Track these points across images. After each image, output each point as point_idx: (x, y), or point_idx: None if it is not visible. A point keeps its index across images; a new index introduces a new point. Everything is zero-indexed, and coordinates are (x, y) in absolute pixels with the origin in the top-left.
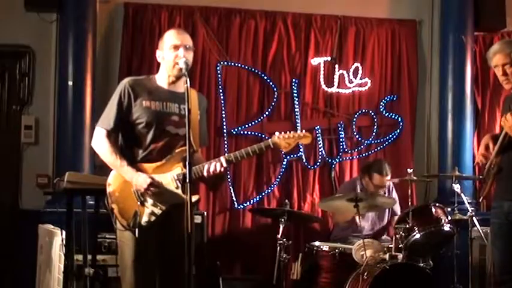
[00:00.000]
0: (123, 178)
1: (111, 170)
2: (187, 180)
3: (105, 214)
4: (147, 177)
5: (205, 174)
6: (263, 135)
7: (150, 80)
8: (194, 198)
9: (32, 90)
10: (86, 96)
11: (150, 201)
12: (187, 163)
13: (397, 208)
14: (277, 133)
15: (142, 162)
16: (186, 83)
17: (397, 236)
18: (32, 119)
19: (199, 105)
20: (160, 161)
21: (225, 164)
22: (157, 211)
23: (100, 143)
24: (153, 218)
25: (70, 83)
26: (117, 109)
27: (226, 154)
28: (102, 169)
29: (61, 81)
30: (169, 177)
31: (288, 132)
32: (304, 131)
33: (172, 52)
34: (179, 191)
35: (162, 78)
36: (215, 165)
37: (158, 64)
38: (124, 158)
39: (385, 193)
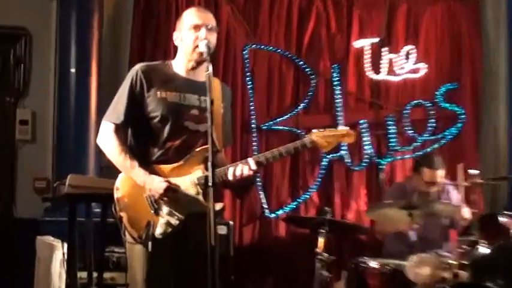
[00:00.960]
0: (134, 182)
1: (120, 172)
2: (210, 185)
3: (114, 224)
4: (163, 180)
5: (230, 178)
6: (299, 131)
7: (166, 67)
8: (218, 206)
9: (29, 80)
10: (91, 86)
11: (165, 209)
12: (209, 164)
13: (464, 214)
14: (315, 130)
15: (157, 163)
16: (208, 70)
17: (460, 250)
18: (28, 113)
19: (223, 97)
20: (178, 162)
21: (254, 167)
22: (174, 221)
23: (107, 139)
24: (169, 230)
25: (73, 70)
26: (127, 100)
27: (255, 155)
28: (110, 171)
29: (62, 68)
30: (189, 181)
31: (328, 128)
32: (347, 127)
33: (192, 33)
34: (200, 198)
35: (179, 65)
36: (242, 168)
37: (175, 48)
38: (135, 158)
39: (440, 197)
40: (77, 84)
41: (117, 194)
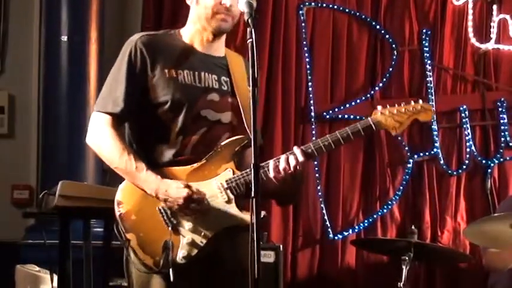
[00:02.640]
0: (141, 191)
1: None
2: (254, 195)
3: (120, 249)
4: (182, 186)
5: (271, 175)
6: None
7: (173, 37)
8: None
9: (4, 53)
10: (90, 61)
11: (187, 224)
12: (252, 165)
13: None
14: (379, 107)
15: (169, 165)
16: (251, 36)
17: None
18: (4, 97)
19: (249, 78)
20: (199, 162)
21: (301, 158)
22: (201, 240)
23: (102, 136)
24: (194, 252)
25: (64, 38)
26: (126, 81)
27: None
28: (116, 176)
29: (49, 36)
30: (215, 186)
31: (397, 105)
32: (421, 101)
33: None
34: (233, 207)
35: (192, 34)
36: (287, 160)
37: (187, 8)
38: (141, 159)
39: None
40: (69, 58)
41: (120, 210)
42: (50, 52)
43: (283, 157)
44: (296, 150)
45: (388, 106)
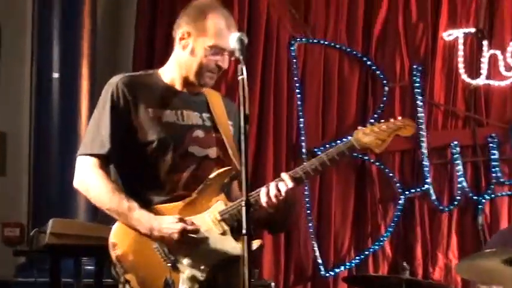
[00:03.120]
0: (135, 232)
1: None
2: (245, 232)
3: (112, 286)
4: (176, 220)
5: (263, 202)
6: (365, 157)
7: (152, 77)
8: (254, 244)
9: None
10: (81, 97)
11: (185, 260)
12: (243, 203)
13: None
14: (360, 127)
15: (162, 203)
16: (242, 73)
17: None
18: None
19: (229, 113)
20: (189, 197)
21: (290, 184)
22: (201, 275)
23: (91, 178)
24: (195, 286)
25: (55, 75)
26: (111, 121)
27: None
28: (108, 214)
29: (41, 73)
30: (209, 219)
31: (377, 122)
32: (400, 118)
33: (213, 55)
34: (229, 239)
35: (172, 75)
36: (277, 187)
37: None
38: (132, 199)
39: None
40: (61, 95)
41: (116, 252)
42: (42, 89)
43: (272, 184)
44: (284, 176)
45: (368, 125)
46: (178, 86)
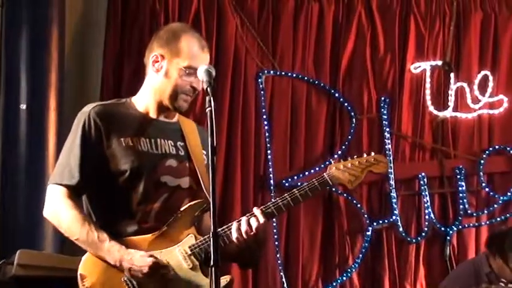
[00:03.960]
0: (104, 263)
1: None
2: (213, 264)
3: None
4: (147, 255)
5: (234, 237)
6: (333, 189)
7: (125, 106)
8: (223, 280)
9: None
10: (49, 129)
11: None
12: (211, 233)
13: None
14: (333, 162)
15: (132, 234)
16: (210, 105)
17: None
18: None
19: (203, 143)
20: (159, 230)
21: (262, 219)
22: None
23: (60, 208)
24: None
25: (22, 106)
26: (81, 152)
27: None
28: (75, 245)
29: (8, 104)
30: (179, 253)
31: (350, 158)
32: (373, 153)
33: (186, 77)
34: (198, 274)
35: (146, 102)
36: (248, 222)
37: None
38: (102, 229)
39: None
40: (28, 126)
41: (85, 284)
42: (8, 122)
43: (244, 219)
44: (256, 211)
45: (341, 160)
46: (152, 114)
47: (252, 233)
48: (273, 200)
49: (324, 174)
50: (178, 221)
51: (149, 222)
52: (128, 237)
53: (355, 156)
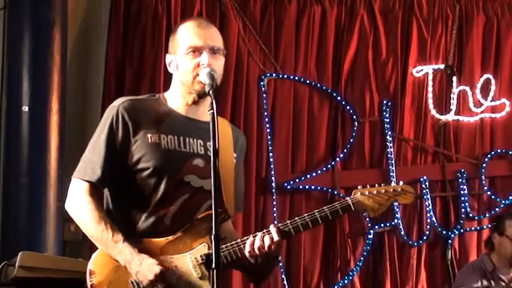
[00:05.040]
0: (116, 262)
1: (94, 249)
2: (214, 266)
3: None
4: (156, 263)
5: (246, 252)
6: (335, 192)
7: (157, 102)
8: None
9: None
10: (51, 131)
11: None
12: (213, 237)
13: None
14: (360, 187)
15: (146, 235)
16: (212, 108)
17: None
18: None
19: (236, 144)
20: (175, 234)
21: (276, 238)
22: None
23: (79, 203)
24: None
25: (25, 108)
26: (106, 149)
27: (276, 224)
28: (77, 247)
29: (10, 106)
30: (189, 261)
31: (377, 185)
32: (402, 183)
33: (191, 58)
34: (205, 283)
35: (176, 98)
36: (262, 239)
37: (167, 75)
38: (118, 230)
39: None
40: (30, 128)
41: (92, 280)
42: (10, 123)
43: (259, 235)
44: (272, 229)
45: (368, 186)
46: (182, 111)
47: (264, 251)
48: (279, 218)
49: (348, 198)
50: (194, 229)
51: (166, 222)
52: (142, 239)
53: (383, 184)
